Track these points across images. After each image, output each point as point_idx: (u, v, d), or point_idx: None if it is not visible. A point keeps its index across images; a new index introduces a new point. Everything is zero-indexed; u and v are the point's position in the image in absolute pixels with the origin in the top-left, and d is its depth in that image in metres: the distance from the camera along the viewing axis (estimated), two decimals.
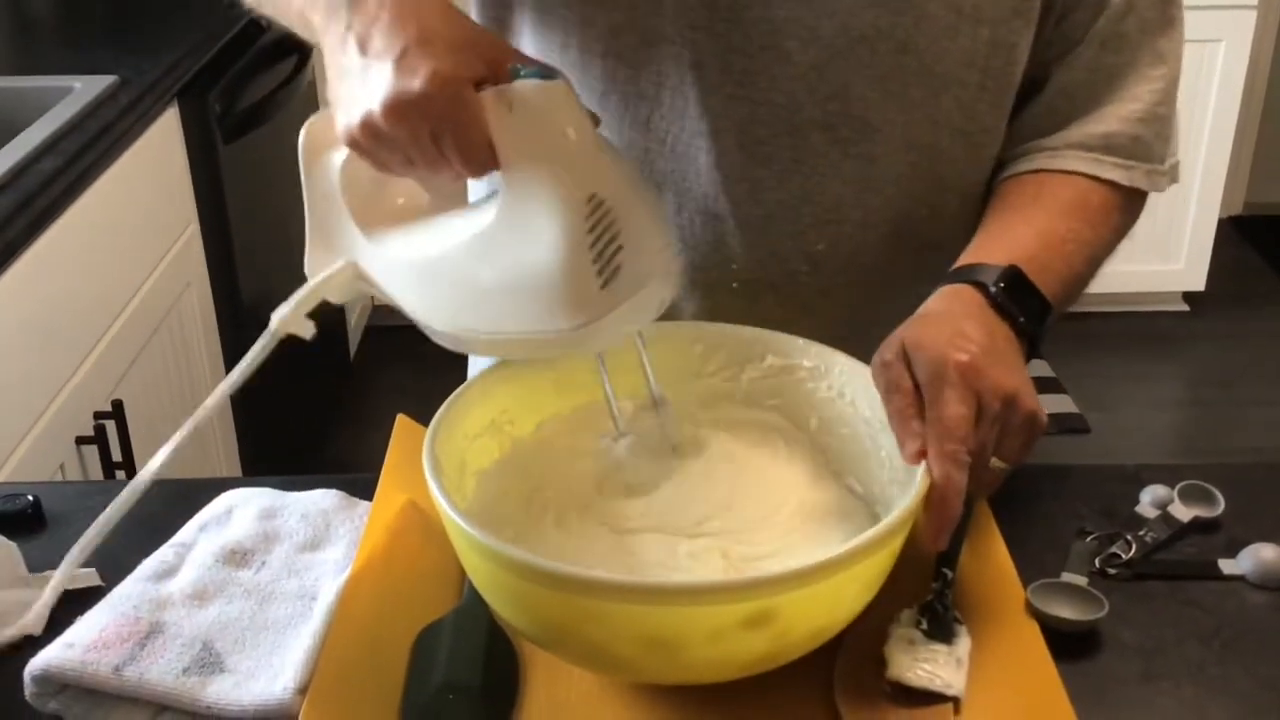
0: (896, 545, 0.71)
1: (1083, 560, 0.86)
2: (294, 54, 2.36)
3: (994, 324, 0.82)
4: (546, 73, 0.72)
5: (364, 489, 0.92)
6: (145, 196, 1.84)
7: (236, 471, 2.12)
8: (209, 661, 0.76)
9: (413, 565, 0.85)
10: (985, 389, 0.76)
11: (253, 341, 0.79)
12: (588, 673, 0.76)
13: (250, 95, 2.14)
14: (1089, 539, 0.88)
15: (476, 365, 1.04)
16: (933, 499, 0.73)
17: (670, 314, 0.81)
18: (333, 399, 2.57)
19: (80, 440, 1.59)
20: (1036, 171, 0.97)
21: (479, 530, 0.67)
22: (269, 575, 0.84)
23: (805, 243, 0.97)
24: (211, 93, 2.00)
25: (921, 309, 0.85)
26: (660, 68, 0.94)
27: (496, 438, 0.85)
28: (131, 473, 1.68)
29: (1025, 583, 0.82)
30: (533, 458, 0.85)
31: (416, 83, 0.69)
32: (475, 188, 0.85)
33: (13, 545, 0.86)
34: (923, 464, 0.73)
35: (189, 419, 0.79)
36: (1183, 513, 0.90)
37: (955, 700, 0.73)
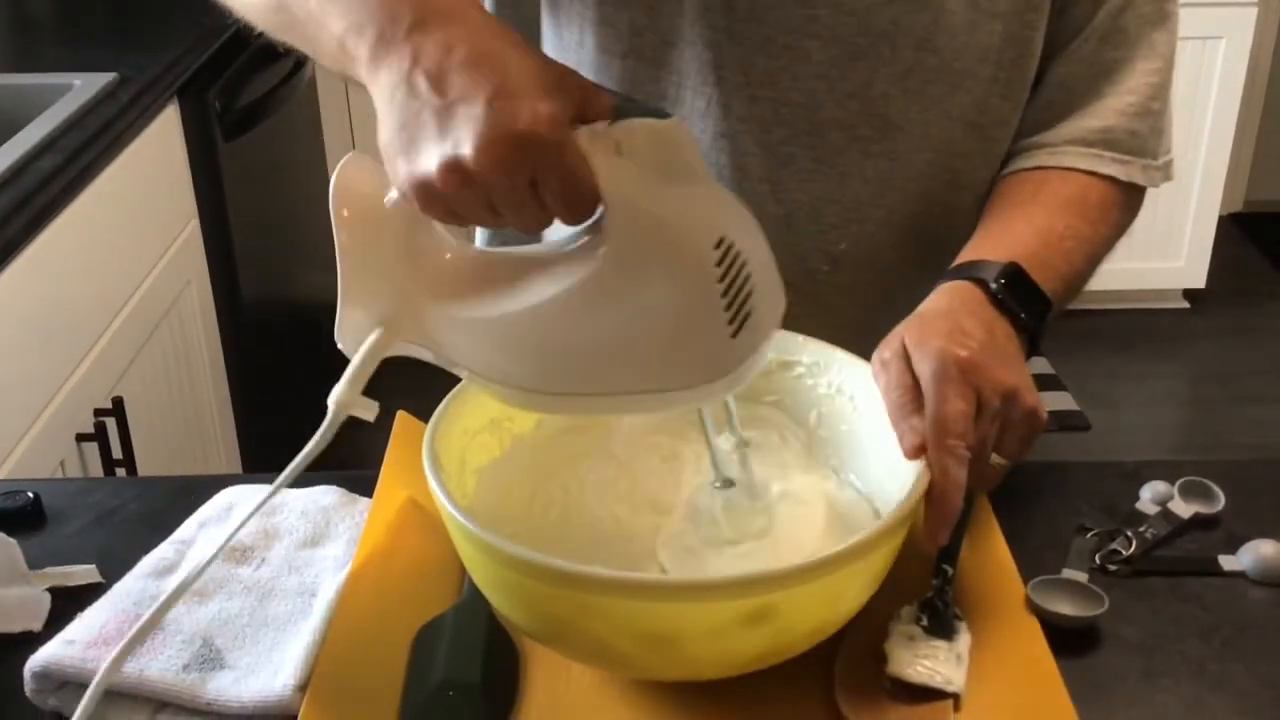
0: (897, 542, 0.71)
1: (1083, 557, 0.86)
2: (293, 52, 2.35)
3: (994, 320, 0.82)
4: (654, 109, 0.67)
5: (364, 486, 0.92)
6: (145, 194, 1.84)
7: (237, 468, 2.12)
8: (209, 658, 0.76)
9: (413, 562, 0.84)
10: (985, 385, 0.76)
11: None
12: (588, 669, 0.76)
13: (250, 92, 2.14)
14: (1089, 535, 0.88)
15: None
16: (932, 495, 0.73)
17: None
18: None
19: (80, 437, 1.59)
20: (1036, 168, 0.97)
21: (479, 527, 0.67)
22: (269, 572, 0.84)
23: (826, 242, 0.97)
24: (211, 90, 1.99)
25: (922, 306, 0.85)
26: (681, 68, 0.94)
27: (496, 435, 0.85)
28: (131, 469, 1.68)
29: (1025, 579, 0.82)
30: (533, 455, 0.85)
31: (519, 124, 0.62)
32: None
33: (13, 542, 0.86)
34: (922, 460, 0.73)
35: (260, 500, 0.73)
36: (1183, 509, 0.90)
37: (955, 696, 0.73)
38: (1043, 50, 0.96)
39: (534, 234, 0.69)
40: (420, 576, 0.83)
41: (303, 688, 0.74)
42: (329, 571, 0.84)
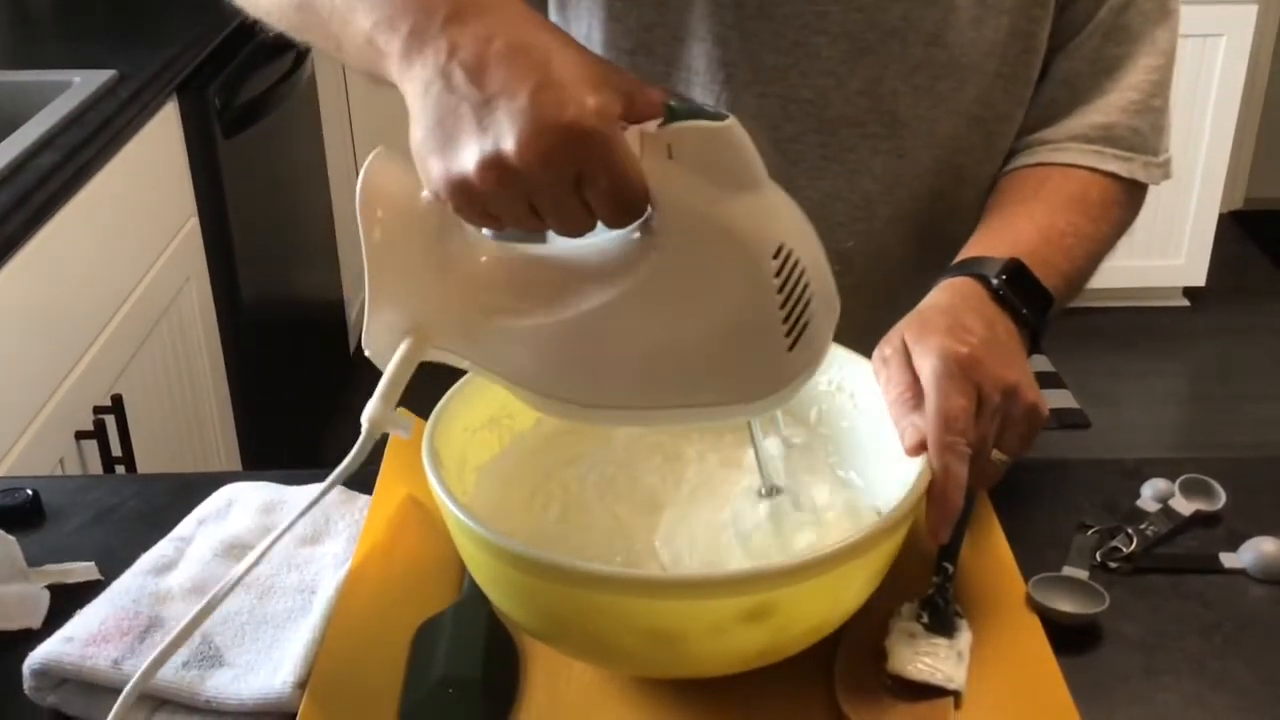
0: (898, 539, 0.71)
1: (1083, 554, 0.86)
2: (294, 48, 2.35)
3: (995, 316, 0.82)
4: (709, 111, 0.62)
5: (364, 483, 0.92)
6: (145, 191, 1.84)
7: (236, 465, 2.12)
8: (208, 655, 0.76)
9: (413, 559, 0.84)
10: (985, 381, 0.76)
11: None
12: (588, 667, 0.76)
13: (250, 89, 2.14)
14: (1090, 533, 0.88)
15: None
16: (933, 492, 0.72)
17: None
18: (332, 393, 2.57)
19: (80, 435, 1.59)
20: (1038, 165, 0.97)
21: (479, 524, 0.67)
22: (269, 569, 0.84)
23: (835, 240, 0.97)
24: (211, 87, 1.99)
25: (923, 302, 0.85)
26: (690, 64, 0.94)
27: (496, 432, 0.85)
28: (130, 467, 1.68)
29: (1026, 576, 0.82)
30: (534, 453, 0.85)
31: (566, 115, 0.58)
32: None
33: (12, 540, 0.86)
34: (923, 457, 0.73)
35: (301, 506, 0.70)
36: (1184, 506, 0.90)
37: (956, 694, 0.73)
38: (1046, 46, 0.96)
39: (575, 237, 0.65)
40: (420, 574, 0.83)
41: (302, 685, 0.74)
42: (329, 569, 0.84)
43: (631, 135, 0.61)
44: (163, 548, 0.86)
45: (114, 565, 0.85)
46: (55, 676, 0.75)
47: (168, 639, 0.67)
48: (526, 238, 0.70)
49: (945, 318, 0.80)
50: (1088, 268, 0.95)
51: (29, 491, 0.94)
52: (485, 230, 0.66)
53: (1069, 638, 0.78)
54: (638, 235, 0.65)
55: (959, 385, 0.75)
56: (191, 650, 0.76)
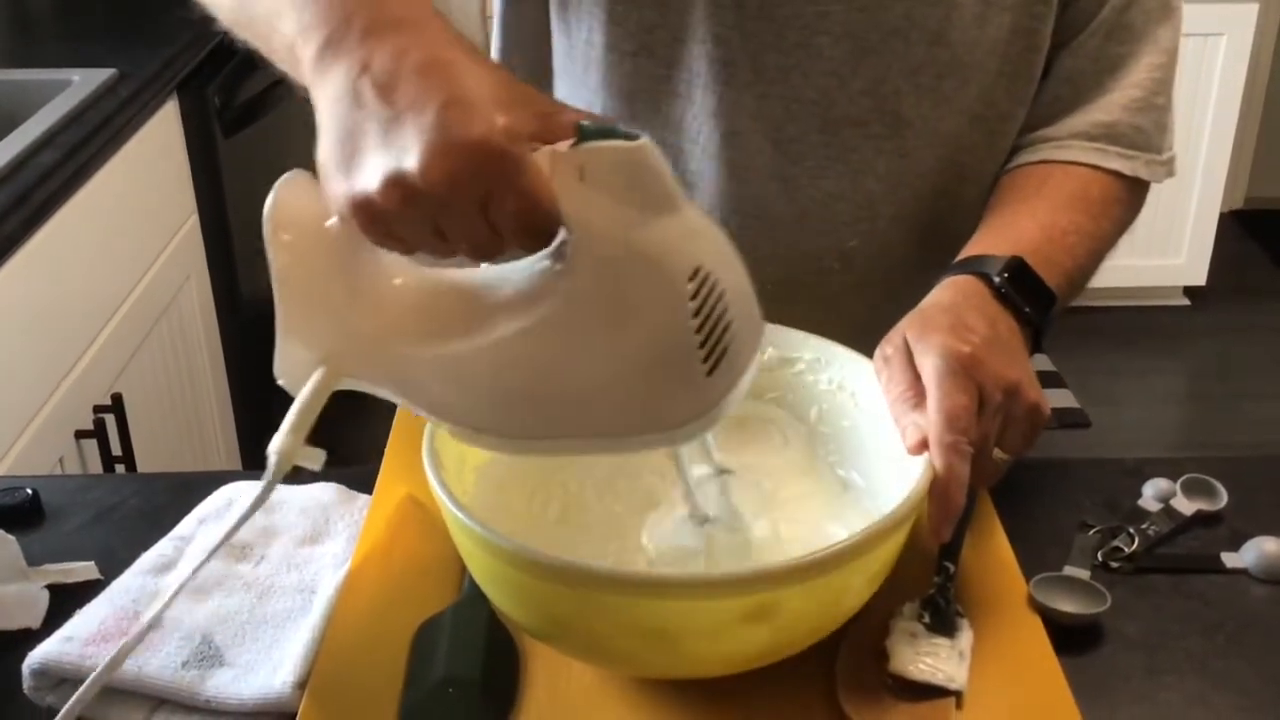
0: (899, 539, 0.71)
1: (1085, 554, 0.85)
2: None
3: (997, 315, 0.82)
4: (622, 132, 0.60)
5: (363, 482, 0.92)
6: (145, 190, 1.84)
7: (236, 465, 2.12)
8: (208, 655, 0.76)
9: (412, 559, 0.84)
10: (987, 380, 0.76)
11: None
12: (588, 667, 0.76)
13: (250, 89, 2.13)
14: (1091, 532, 0.88)
15: None
16: (935, 491, 0.72)
17: None
18: (332, 392, 2.57)
19: (79, 434, 1.59)
20: (1040, 163, 0.97)
21: (479, 523, 0.67)
22: (268, 569, 0.84)
23: (838, 240, 0.97)
24: (211, 86, 1.99)
25: (924, 301, 0.85)
26: (691, 66, 0.94)
27: None
28: (131, 466, 1.68)
29: (1027, 576, 0.82)
30: None
31: (472, 133, 0.56)
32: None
33: (12, 539, 0.85)
34: (925, 456, 0.73)
35: (171, 589, 0.67)
36: (1185, 506, 0.90)
37: (957, 694, 0.72)
38: (1049, 44, 0.96)
39: (484, 262, 0.63)
40: (420, 573, 0.83)
41: (302, 685, 0.74)
42: (328, 569, 0.84)
43: (543, 156, 0.58)
44: (163, 547, 0.86)
45: (114, 565, 0.85)
46: (55, 676, 0.75)
47: (104, 662, 0.66)
48: (445, 261, 0.67)
49: (947, 316, 0.80)
50: (1090, 266, 0.94)
51: (29, 491, 0.94)
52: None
53: (1070, 637, 0.78)
54: (549, 260, 0.63)
55: (961, 384, 0.75)
56: (192, 650, 0.76)
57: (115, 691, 0.75)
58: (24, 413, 1.49)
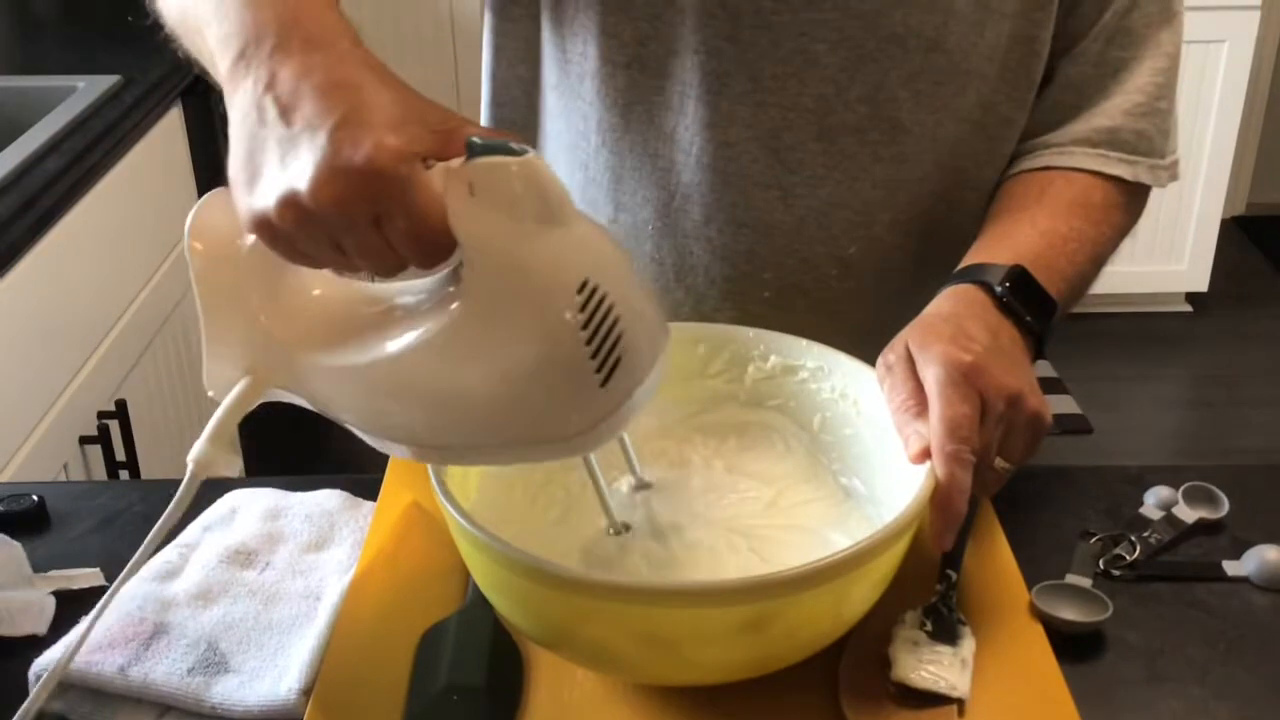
0: (901, 547, 0.71)
1: (1087, 562, 0.86)
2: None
3: (999, 323, 0.82)
4: (510, 147, 0.60)
5: (368, 489, 0.92)
6: (149, 196, 1.84)
7: (240, 472, 2.12)
8: (214, 662, 0.76)
9: (417, 566, 0.85)
10: (989, 388, 0.76)
11: None
12: (592, 674, 0.76)
13: None
14: (1093, 540, 0.88)
15: None
16: (937, 499, 0.72)
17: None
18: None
19: (84, 440, 1.60)
20: (1042, 169, 0.97)
21: (483, 530, 0.67)
22: (274, 576, 0.84)
23: (836, 247, 0.97)
24: (215, 93, 1.99)
25: (926, 310, 0.85)
26: (685, 77, 0.94)
27: None
28: (135, 472, 1.68)
29: (1029, 584, 0.82)
30: None
31: (359, 156, 0.57)
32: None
33: (17, 545, 0.86)
34: (927, 464, 0.73)
35: (109, 591, 0.68)
36: (1187, 514, 0.90)
37: (960, 702, 0.73)
38: (1050, 50, 0.96)
39: (390, 279, 0.64)
40: (424, 580, 0.83)
41: (307, 692, 0.74)
42: (333, 575, 0.84)
43: (437, 174, 0.59)
44: (168, 554, 0.86)
45: (119, 571, 0.85)
46: (61, 683, 0.75)
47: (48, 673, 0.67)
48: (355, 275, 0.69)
49: (949, 325, 0.80)
50: (1091, 271, 0.95)
51: (34, 497, 0.94)
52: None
53: (1073, 645, 0.78)
54: (447, 274, 0.65)
55: (963, 393, 0.75)
56: (197, 657, 0.76)
57: (121, 698, 0.75)
58: (28, 419, 1.49)
